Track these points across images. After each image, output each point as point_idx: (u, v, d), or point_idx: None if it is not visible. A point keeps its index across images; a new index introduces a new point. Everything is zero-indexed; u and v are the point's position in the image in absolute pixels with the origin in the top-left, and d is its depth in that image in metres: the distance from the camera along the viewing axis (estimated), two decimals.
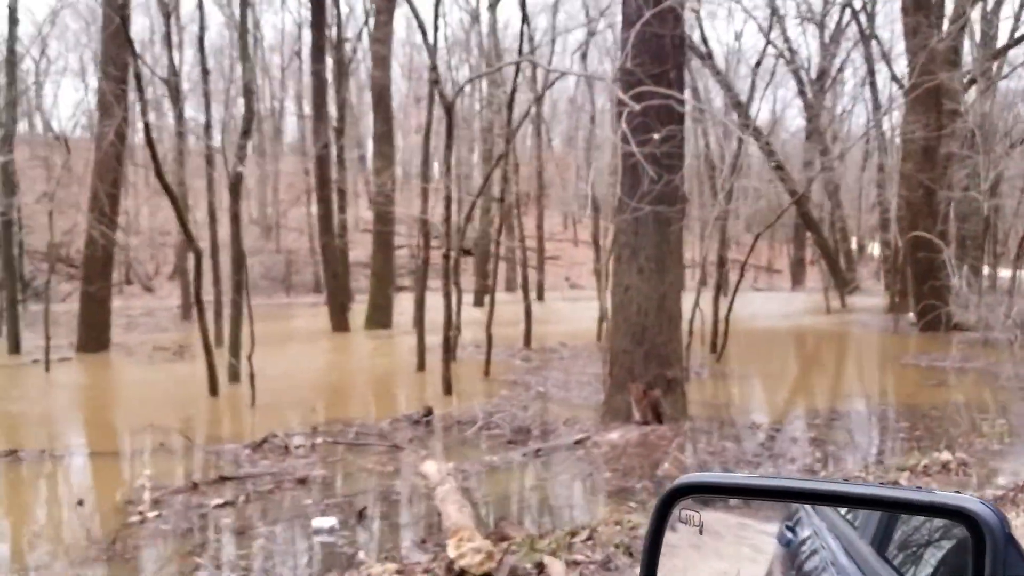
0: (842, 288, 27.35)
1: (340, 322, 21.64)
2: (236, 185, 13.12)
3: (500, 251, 33.27)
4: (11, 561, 5.36)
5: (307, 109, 36.29)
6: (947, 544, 0.89)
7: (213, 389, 11.87)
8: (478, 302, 30.82)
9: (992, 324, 15.19)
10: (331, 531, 5.88)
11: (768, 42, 16.29)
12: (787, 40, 30.54)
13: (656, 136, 8.41)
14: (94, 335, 17.44)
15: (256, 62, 43.66)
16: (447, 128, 11.57)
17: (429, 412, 9.77)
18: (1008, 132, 23.30)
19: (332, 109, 28.16)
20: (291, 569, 5.34)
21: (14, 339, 16.95)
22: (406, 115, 51.11)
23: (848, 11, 27.47)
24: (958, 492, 0.81)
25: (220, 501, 6.53)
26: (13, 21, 17.17)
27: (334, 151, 27.88)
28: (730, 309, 14.73)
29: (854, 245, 40.42)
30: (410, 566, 4.90)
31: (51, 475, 7.83)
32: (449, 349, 12.08)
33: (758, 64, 16.16)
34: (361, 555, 5.34)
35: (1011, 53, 22.61)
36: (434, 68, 12.77)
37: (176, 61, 27.97)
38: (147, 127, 10.60)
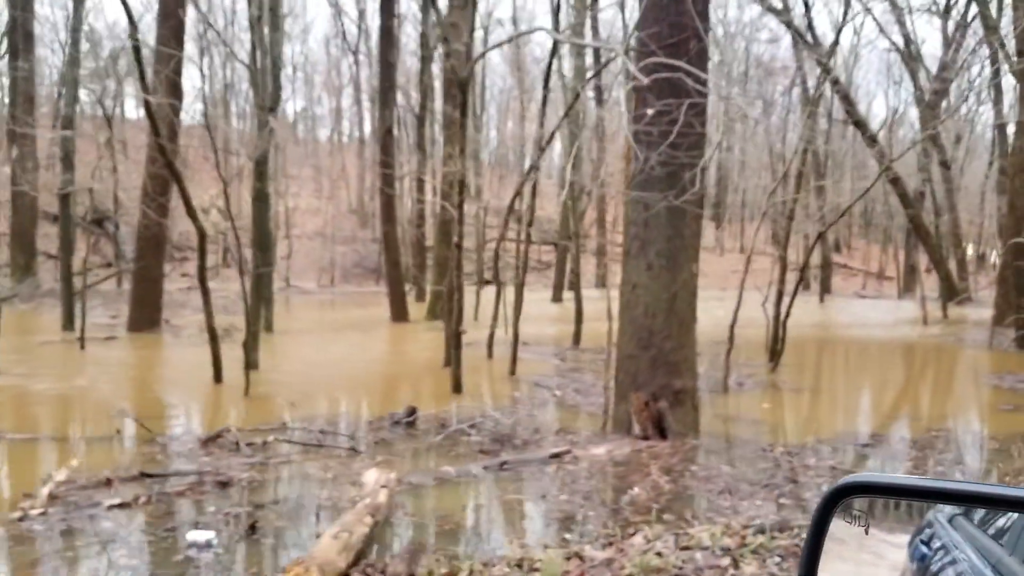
0: (946, 298, 24.89)
1: (399, 312, 21.23)
2: (262, 163, 12.74)
3: (582, 245, 32.29)
4: None
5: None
6: None
7: (218, 376, 11.52)
8: (556, 298, 29.92)
9: None
10: (206, 546, 5.17)
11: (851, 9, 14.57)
12: (905, 32, 28.22)
13: (649, 112, 7.30)
14: (145, 314, 17.59)
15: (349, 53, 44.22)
16: (460, 106, 10.74)
17: (412, 412, 9.00)
18: None
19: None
20: None
21: (68, 315, 17.27)
22: (507, 104, 50.98)
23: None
24: None
25: (116, 501, 5.95)
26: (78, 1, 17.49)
27: (412, 139, 27.57)
28: (787, 315, 13.28)
29: (972, 253, 37.07)
30: None
31: None
32: (459, 346, 11.27)
33: (834, 44, 14.52)
34: None
35: None
36: (446, 40, 11.97)
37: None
38: (147, 104, 10.27)
